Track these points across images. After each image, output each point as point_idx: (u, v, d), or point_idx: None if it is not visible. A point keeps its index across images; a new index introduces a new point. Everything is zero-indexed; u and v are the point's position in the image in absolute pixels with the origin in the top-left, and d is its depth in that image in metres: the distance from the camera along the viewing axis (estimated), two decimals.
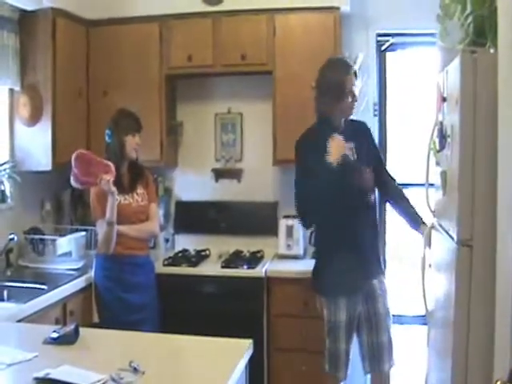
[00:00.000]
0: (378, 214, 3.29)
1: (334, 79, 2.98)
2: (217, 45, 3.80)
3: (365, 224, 3.04)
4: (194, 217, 4.21)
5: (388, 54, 4.10)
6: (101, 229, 3.12)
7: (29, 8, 3.52)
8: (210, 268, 3.73)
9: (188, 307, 3.57)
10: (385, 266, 3.29)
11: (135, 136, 3.23)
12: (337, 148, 2.88)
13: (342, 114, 3.04)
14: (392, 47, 4.00)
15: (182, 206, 4.26)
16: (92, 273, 3.28)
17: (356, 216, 2.99)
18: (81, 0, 3.83)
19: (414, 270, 3.24)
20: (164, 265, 3.74)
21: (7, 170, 3.54)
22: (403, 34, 3.97)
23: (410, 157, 4.08)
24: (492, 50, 2.06)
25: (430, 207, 2.82)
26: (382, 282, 3.10)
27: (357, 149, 3.06)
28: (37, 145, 3.61)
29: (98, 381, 1.80)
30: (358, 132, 3.14)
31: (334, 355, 3.01)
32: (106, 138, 3.23)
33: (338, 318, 2.98)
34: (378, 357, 3.04)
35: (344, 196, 2.93)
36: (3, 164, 3.54)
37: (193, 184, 4.25)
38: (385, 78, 4.11)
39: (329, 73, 3.02)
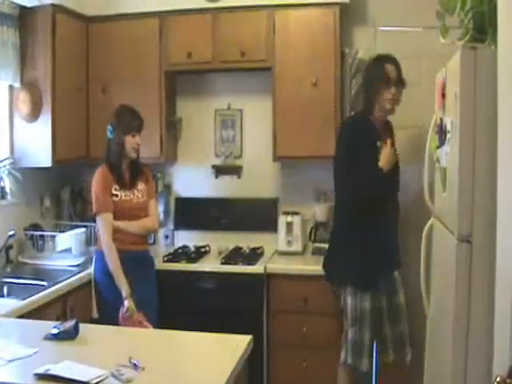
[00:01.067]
0: None
1: (373, 68, 2.97)
2: (216, 41, 3.79)
3: (393, 215, 3.11)
4: (193, 213, 4.20)
5: None
6: (104, 222, 3.12)
7: (29, 4, 3.51)
8: (210, 264, 3.73)
9: (188, 303, 3.57)
10: None
11: (135, 136, 3.21)
12: (388, 157, 2.97)
13: (380, 111, 3.03)
14: None
15: (181, 202, 4.25)
16: (92, 269, 3.29)
17: (388, 207, 3.07)
18: None
19: None
20: (164, 261, 3.74)
21: (7, 167, 3.54)
22: None
23: None
24: (492, 47, 2.06)
25: (429, 203, 2.83)
26: (399, 274, 3.13)
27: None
28: (36, 141, 3.61)
29: (98, 376, 1.81)
30: (391, 131, 3.19)
31: (358, 345, 2.99)
32: (108, 134, 3.22)
33: (363, 307, 2.97)
34: (401, 347, 3.07)
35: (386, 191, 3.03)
36: (3, 160, 3.55)
37: (192, 180, 4.24)
38: None
39: (368, 63, 3.00)
